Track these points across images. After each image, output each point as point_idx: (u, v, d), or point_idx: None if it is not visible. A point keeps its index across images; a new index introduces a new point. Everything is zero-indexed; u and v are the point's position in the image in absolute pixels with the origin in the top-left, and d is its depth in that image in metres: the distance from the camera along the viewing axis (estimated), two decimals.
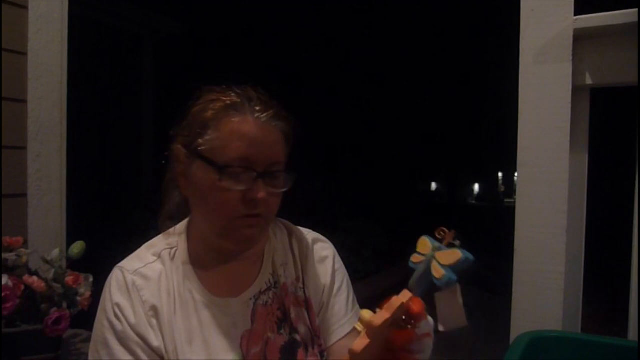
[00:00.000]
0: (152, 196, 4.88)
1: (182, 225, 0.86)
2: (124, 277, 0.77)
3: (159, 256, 0.81)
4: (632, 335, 1.10)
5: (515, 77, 1.19)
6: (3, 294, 1.17)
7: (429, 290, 0.67)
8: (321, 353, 0.84)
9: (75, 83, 1.76)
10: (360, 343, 0.57)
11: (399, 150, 8.60)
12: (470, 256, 0.64)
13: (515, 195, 1.22)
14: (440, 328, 0.68)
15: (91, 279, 1.34)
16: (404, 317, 0.61)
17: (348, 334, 0.88)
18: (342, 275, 0.92)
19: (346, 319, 0.89)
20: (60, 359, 1.29)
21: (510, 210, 1.24)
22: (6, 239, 1.32)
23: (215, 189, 0.74)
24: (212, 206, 0.76)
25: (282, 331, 0.82)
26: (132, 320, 0.75)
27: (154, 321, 0.76)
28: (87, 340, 1.43)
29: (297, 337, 0.82)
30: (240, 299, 0.81)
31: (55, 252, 1.32)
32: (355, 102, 7.87)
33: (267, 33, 6.81)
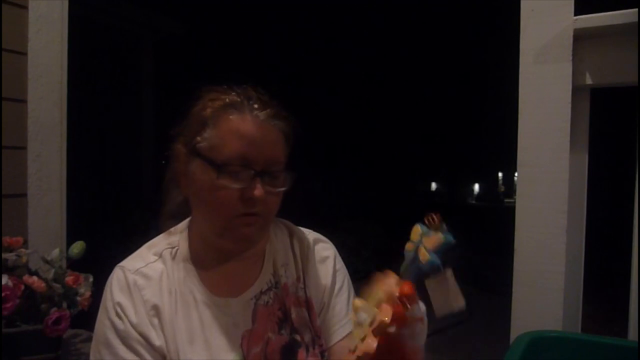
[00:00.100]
0: (152, 196, 4.88)
1: (183, 225, 0.86)
2: (125, 277, 0.77)
3: (160, 255, 0.81)
4: (632, 335, 1.10)
5: (515, 77, 1.19)
6: (3, 294, 1.17)
7: (418, 275, 0.67)
8: (322, 353, 0.84)
9: (75, 83, 1.76)
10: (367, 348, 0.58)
11: (399, 150, 8.60)
12: (451, 238, 0.65)
13: (515, 195, 1.22)
14: (436, 314, 0.68)
15: (91, 279, 1.34)
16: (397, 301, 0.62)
17: (349, 334, 0.87)
18: (343, 275, 0.92)
19: (347, 319, 0.89)
20: (60, 359, 1.29)
21: (510, 210, 1.24)
22: (6, 239, 1.32)
23: (214, 187, 0.74)
24: (211, 204, 0.76)
25: (282, 331, 0.82)
26: (134, 319, 0.75)
27: (155, 320, 0.76)
28: (87, 340, 1.43)
29: (298, 338, 0.82)
30: (241, 299, 0.81)
31: (55, 252, 1.32)
32: (355, 102, 7.87)
33: (267, 33, 6.81)
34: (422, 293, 0.67)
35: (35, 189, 1.59)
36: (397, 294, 0.59)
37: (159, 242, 0.84)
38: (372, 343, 0.58)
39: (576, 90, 1.14)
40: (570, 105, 1.13)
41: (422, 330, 0.63)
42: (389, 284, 0.62)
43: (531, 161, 1.17)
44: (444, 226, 0.68)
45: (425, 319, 0.64)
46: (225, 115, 0.76)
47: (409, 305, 0.61)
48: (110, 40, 4.91)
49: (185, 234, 0.84)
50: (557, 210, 1.14)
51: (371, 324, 0.59)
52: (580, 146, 1.19)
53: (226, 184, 0.74)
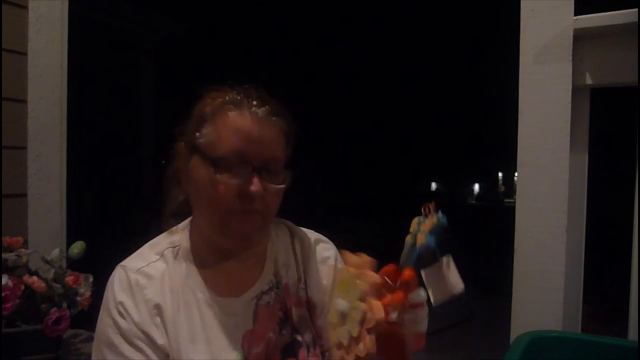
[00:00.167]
0: (152, 196, 4.88)
1: (184, 224, 0.86)
2: (127, 276, 0.77)
3: (162, 255, 0.81)
4: (632, 335, 1.10)
5: (515, 77, 1.19)
6: (3, 294, 1.17)
7: (417, 260, 0.68)
8: (322, 353, 0.84)
9: (75, 83, 1.75)
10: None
11: (399, 150, 8.59)
12: (444, 219, 0.66)
13: (515, 195, 1.22)
14: (433, 303, 0.69)
15: (91, 279, 1.34)
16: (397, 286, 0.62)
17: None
18: None
19: None
20: (60, 359, 1.29)
21: (510, 210, 1.24)
22: (6, 239, 1.32)
23: (211, 182, 0.74)
24: (209, 200, 0.76)
25: (283, 331, 0.82)
26: (137, 318, 0.74)
27: (158, 319, 0.76)
28: (87, 340, 1.43)
29: (299, 338, 0.83)
30: (242, 299, 0.81)
31: (55, 252, 1.32)
32: (356, 102, 7.87)
33: (267, 33, 6.81)
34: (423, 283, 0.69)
35: (35, 189, 1.59)
36: (379, 282, 0.59)
37: (161, 242, 0.84)
38: (372, 341, 0.58)
39: (576, 90, 1.14)
40: (570, 105, 1.13)
41: (423, 316, 0.63)
42: (370, 275, 0.61)
43: (531, 161, 1.17)
44: (439, 212, 0.69)
45: (426, 305, 0.65)
46: (224, 111, 0.77)
47: (410, 290, 0.61)
48: (110, 40, 4.90)
49: (186, 233, 0.84)
50: (557, 210, 1.14)
51: (362, 321, 0.58)
52: (580, 146, 1.19)
53: (223, 179, 0.74)
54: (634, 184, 1.10)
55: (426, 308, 0.65)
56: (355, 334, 0.59)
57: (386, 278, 0.61)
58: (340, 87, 7.77)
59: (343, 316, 0.60)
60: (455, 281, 0.70)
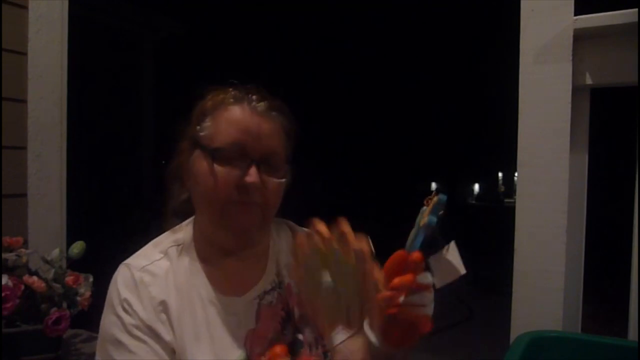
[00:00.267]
0: (152, 196, 4.88)
1: (187, 222, 0.87)
2: (132, 274, 0.77)
3: (166, 253, 0.81)
4: (632, 335, 1.10)
5: (515, 77, 1.19)
6: (3, 294, 1.17)
7: (422, 242, 0.69)
8: (324, 354, 0.84)
9: (75, 83, 1.75)
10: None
11: (399, 150, 8.59)
12: (443, 198, 0.67)
13: (515, 195, 1.22)
14: (437, 285, 0.70)
15: (91, 279, 1.34)
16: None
17: (352, 334, 0.88)
18: None
19: None
20: (61, 359, 1.29)
21: (510, 210, 1.24)
22: (6, 239, 1.32)
23: (210, 173, 0.75)
24: (207, 192, 0.76)
25: (285, 331, 0.82)
26: (142, 314, 0.74)
27: (163, 316, 0.75)
28: (87, 340, 1.43)
29: (301, 337, 0.83)
30: (244, 298, 0.81)
31: (55, 252, 1.32)
32: (356, 102, 7.87)
33: (267, 33, 6.81)
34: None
35: (35, 189, 1.59)
36: (380, 281, 0.58)
37: (164, 240, 0.84)
38: (373, 333, 0.57)
39: (576, 90, 1.14)
40: (570, 105, 1.13)
41: (430, 299, 0.66)
42: (376, 276, 0.60)
43: (531, 161, 1.17)
44: (440, 194, 0.71)
45: (432, 289, 0.67)
46: (224, 105, 0.78)
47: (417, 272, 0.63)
48: (110, 40, 4.90)
49: (189, 232, 0.84)
50: (557, 210, 1.14)
51: (355, 308, 0.57)
52: (580, 146, 1.19)
53: (221, 170, 0.75)
54: (634, 184, 1.10)
55: (432, 291, 0.66)
56: (356, 309, 0.58)
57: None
58: (340, 87, 7.77)
59: (334, 292, 0.57)
60: (458, 265, 0.71)
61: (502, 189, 7.35)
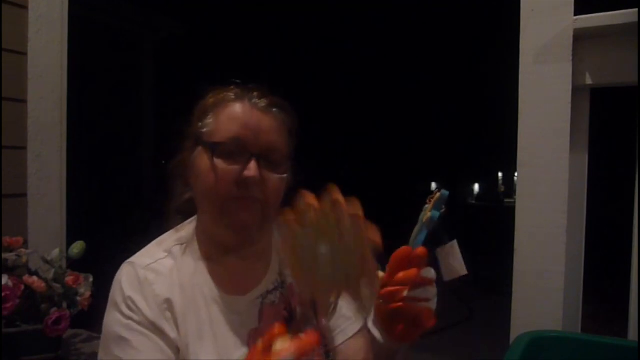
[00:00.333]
0: (152, 196, 4.88)
1: (190, 221, 0.87)
2: (136, 272, 0.77)
3: (170, 252, 0.81)
4: (632, 335, 1.10)
5: (515, 77, 1.19)
6: (3, 294, 1.17)
7: (426, 238, 0.71)
8: (327, 353, 0.84)
9: (75, 83, 1.75)
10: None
11: (399, 150, 8.59)
12: (445, 194, 0.69)
13: (515, 195, 1.22)
14: (445, 278, 0.71)
15: (91, 279, 1.34)
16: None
17: (356, 334, 0.88)
18: None
19: (352, 320, 0.89)
20: (61, 359, 1.29)
21: (510, 210, 1.24)
22: (6, 239, 1.32)
23: (210, 169, 0.76)
24: (208, 187, 0.76)
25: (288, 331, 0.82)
26: (147, 312, 0.74)
27: (168, 314, 0.75)
28: (87, 340, 1.44)
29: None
30: (247, 298, 0.81)
31: (55, 252, 1.32)
32: (356, 102, 7.87)
33: (267, 33, 6.81)
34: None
35: (35, 189, 1.59)
36: (377, 242, 0.58)
37: (168, 239, 0.84)
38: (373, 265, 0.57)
39: (576, 90, 1.14)
40: (570, 105, 1.13)
41: (434, 293, 0.68)
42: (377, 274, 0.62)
43: (531, 161, 1.17)
44: (442, 190, 0.72)
45: (435, 284, 0.69)
46: (226, 102, 0.79)
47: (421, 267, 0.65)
48: (110, 40, 4.90)
49: (192, 230, 0.85)
50: (557, 210, 1.14)
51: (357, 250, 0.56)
52: (580, 146, 1.19)
53: (221, 165, 0.75)
54: (634, 184, 1.10)
55: (435, 286, 0.68)
56: (355, 273, 0.57)
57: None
58: (340, 87, 7.77)
59: (332, 262, 0.56)
60: (461, 264, 0.72)
61: (502, 189, 7.34)
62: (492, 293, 4.33)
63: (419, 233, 0.70)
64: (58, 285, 1.26)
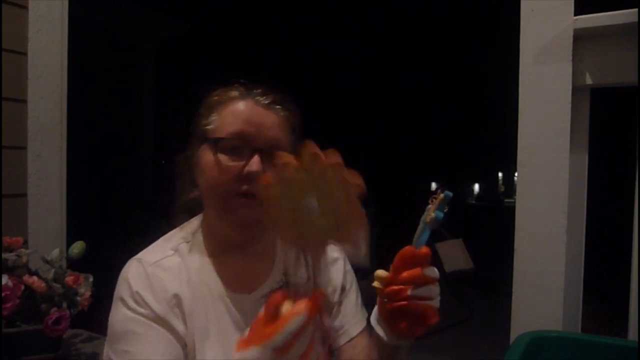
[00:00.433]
0: (152, 196, 4.88)
1: (197, 219, 0.87)
2: (144, 268, 0.77)
3: (177, 250, 0.82)
4: (632, 335, 1.10)
5: (515, 77, 1.19)
6: (3, 294, 1.17)
7: (429, 238, 0.72)
8: (331, 352, 0.85)
9: (75, 83, 1.75)
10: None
11: (399, 150, 8.59)
12: (449, 194, 0.70)
13: (515, 195, 1.22)
14: (446, 269, 0.73)
15: (91, 279, 1.34)
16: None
17: (359, 333, 0.89)
18: (352, 276, 0.94)
19: (356, 320, 0.90)
20: (61, 359, 1.29)
21: (510, 210, 1.24)
22: (6, 239, 1.32)
23: (214, 164, 0.76)
24: (212, 183, 0.77)
25: None
26: (155, 306, 0.74)
27: (176, 310, 0.76)
28: (87, 340, 1.44)
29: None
30: (252, 296, 0.82)
31: (55, 252, 1.32)
32: (355, 102, 7.87)
33: (267, 33, 6.81)
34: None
35: (35, 189, 1.59)
36: (360, 185, 0.58)
37: (174, 236, 0.85)
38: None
39: (576, 90, 1.14)
40: (570, 105, 1.13)
41: (437, 292, 0.69)
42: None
43: (531, 161, 1.17)
44: (446, 191, 0.73)
45: (438, 283, 0.70)
46: (229, 100, 0.80)
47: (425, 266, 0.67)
48: (110, 40, 4.90)
49: (199, 228, 0.85)
50: (557, 210, 1.14)
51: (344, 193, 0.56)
52: (580, 146, 1.18)
53: (225, 160, 0.76)
54: (634, 184, 1.10)
55: (438, 284, 0.69)
56: (345, 218, 0.56)
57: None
58: (340, 87, 7.77)
59: (321, 214, 0.56)
60: (467, 260, 0.74)
61: (502, 189, 7.34)
62: (492, 293, 4.33)
63: (421, 233, 0.71)
64: (58, 285, 1.26)
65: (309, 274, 0.88)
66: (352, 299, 0.91)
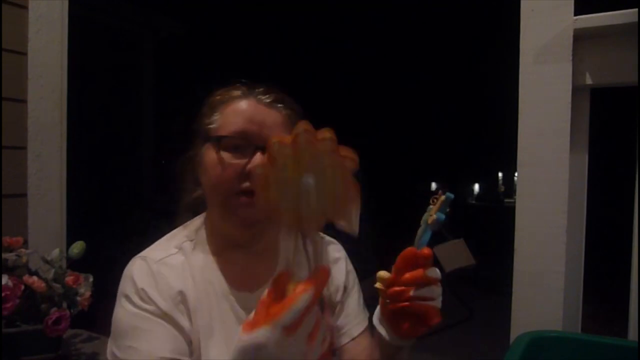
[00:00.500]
0: (152, 196, 4.88)
1: (200, 218, 0.88)
2: (149, 266, 0.77)
3: (180, 248, 0.82)
4: (632, 335, 1.10)
5: (515, 77, 1.19)
6: (3, 294, 1.17)
7: (430, 239, 0.72)
8: (333, 351, 0.85)
9: (75, 83, 1.75)
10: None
11: (399, 150, 8.59)
12: (450, 196, 0.71)
13: (515, 195, 1.22)
14: (446, 269, 0.73)
15: (91, 279, 1.34)
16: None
17: (361, 333, 0.89)
18: (354, 276, 0.94)
19: (358, 320, 0.90)
20: (61, 359, 1.29)
21: (510, 210, 1.24)
22: (6, 239, 1.32)
23: (217, 162, 0.77)
24: (214, 182, 0.78)
25: None
26: (161, 303, 0.74)
27: (181, 306, 0.76)
28: (87, 340, 1.44)
29: None
30: (256, 295, 0.82)
31: (55, 252, 1.32)
32: (355, 102, 7.87)
33: (267, 33, 6.81)
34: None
35: (35, 189, 1.59)
36: (353, 157, 0.57)
37: (178, 234, 0.85)
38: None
39: (576, 90, 1.14)
40: (570, 105, 1.13)
41: (439, 292, 0.70)
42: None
43: (531, 161, 1.17)
44: (447, 193, 0.73)
45: (440, 285, 0.70)
46: (232, 99, 0.81)
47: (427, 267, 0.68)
48: (110, 40, 4.90)
49: (202, 227, 0.86)
50: (557, 210, 1.14)
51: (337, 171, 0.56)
52: (580, 146, 1.18)
53: (227, 158, 0.76)
54: (634, 184, 1.10)
55: (440, 285, 0.70)
56: (341, 191, 0.56)
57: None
58: (340, 87, 7.77)
59: (318, 190, 0.55)
60: (468, 257, 0.74)
61: (502, 189, 7.34)
62: (492, 293, 4.33)
63: (423, 234, 0.71)
64: (58, 285, 1.26)
65: (310, 261, 0.89)
66: (355, 299, 0.92)
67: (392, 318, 0.72)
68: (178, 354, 0.72)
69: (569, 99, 1.13)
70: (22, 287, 1.21)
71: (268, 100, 0.81)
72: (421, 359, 3.11)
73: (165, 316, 0.73)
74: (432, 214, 0.71)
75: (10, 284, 1.19)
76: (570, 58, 1.13)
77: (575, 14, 1.13)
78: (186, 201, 0.90)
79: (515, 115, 1.19)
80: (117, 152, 4.93)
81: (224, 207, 0.78)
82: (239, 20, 6.83)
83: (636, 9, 1.03)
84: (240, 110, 0.80)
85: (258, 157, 0.76)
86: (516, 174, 1.22)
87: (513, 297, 1.20)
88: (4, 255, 1.27)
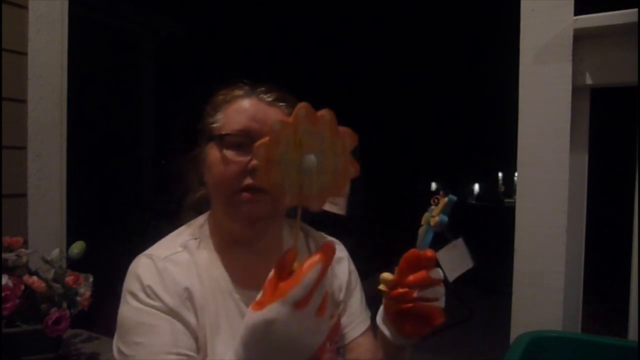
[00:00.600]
0: (152, 196, 4.87)
1: (204, 216, 0.88)
2: (154, 264, 0.77)
3: (185, 246, 0.82)
4: (632, 335, 1.10)
5: (515, 77, 1.19)
6: (3, 294, 1.17)
7: (432, 241, 0.73)
8: (337, 349, 0.86)
9: (75, 83, 1.75)
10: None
11: (399, 150, 8.59)
12: (453, 197, 0.72)
13: (515, 195, 1.22)
14: (449, 279, 0.74)
15: (91, 279, 1.34)
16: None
17: (363, 333, 0.89)
18: (356, 276, 0.95)
19: (361, 319, 0.91)
20: (61, 359, 1.29)
21: (510, 210, 1.24)
22: (6, 239, 1.32)
23: (220, 160, 0.78)
24: (217, 178, 0.79)
25: None
26: (167, 299, 0.74)
27: (188, 303, 0.76)
28: (87, 340, 1.44)
29: None
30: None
31: (55, 252, 1.32)
32: (355, 102, 7.87)
33: (267, 33, 6.81)
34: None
35: (35, 189, 1.59)
36: (351, 134, 0.58)
37: (182, 233, 0.85)
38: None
39: (576, 90, 1.14)
40: (570, 105, 1.13)
41: (442, 293, 0.70)
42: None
43: (531, 161, 1.17)
44: (449, 195, 0.73)
45: (443, 285, 0.71)
46: (234, 98, 0.82)
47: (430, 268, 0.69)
48: (110, 40, 4.90)
49: (206, 225, 0.86)
50: (557, 210, 1.14)
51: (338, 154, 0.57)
52: (580, 146, 1.18)
53: (230, 156, 0.77)
54: (634, 184, 1.10)
55: (443, 285, 0.71)
56: (341, 168, 0.56)
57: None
58: (340, 87, 7.77)
59: (319, 167, 0.55)
60: (467, 259, 0.75)
61: (502, 189, 7.34)
62: (492, 293, 4.32)
63: (425, 235, 0.72)
64: (58, 285, 1.26)
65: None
66: (357, 298, 0.92)
67: (396, 319, 0.73)
68: (185, 350, 0.72)
69: (569, 99, 1.13)
70: (22, 287, 1.21)
71: (270, 99, 0.82)
72: (421, 359, 3.11)
73: (172, 312, 0.73)
74: (435, 215, 0.71)
75: (10, 284, 1.19)
76: (570, 58, 1.13)
77: (575, 14, 1.13)
78: (190, 200, 0.91)
79: (515, 115, 1.19)
80: (117, 152, 4.93)
81: (227, 204, 0.79)
82: (239, 20, 6.83)
83: (636, 9, 1.03)
84: (242, 108, 0.81)
85: None
86: (516, 174, 1.22)
87: (513, 297, 1.20)
88: (4, 255, 1.27)
